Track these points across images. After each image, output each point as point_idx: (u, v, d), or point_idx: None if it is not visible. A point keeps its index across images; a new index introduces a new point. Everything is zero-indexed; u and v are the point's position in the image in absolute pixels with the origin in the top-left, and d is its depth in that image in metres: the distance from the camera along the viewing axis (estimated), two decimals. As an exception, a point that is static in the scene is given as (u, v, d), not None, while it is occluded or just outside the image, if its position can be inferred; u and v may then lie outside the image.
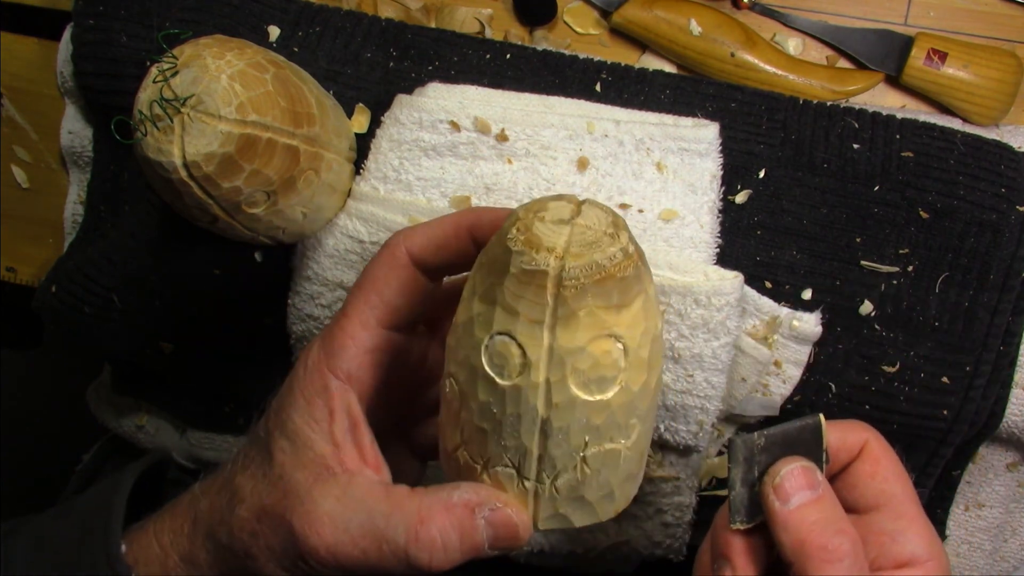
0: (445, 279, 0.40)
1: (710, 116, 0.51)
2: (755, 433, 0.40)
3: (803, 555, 0.36)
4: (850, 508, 0.39)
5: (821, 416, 0.40)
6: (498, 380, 0.31)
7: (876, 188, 0.50)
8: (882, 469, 0.39)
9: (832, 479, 0.40)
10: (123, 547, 0.38)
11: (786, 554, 0.37)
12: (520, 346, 0.30)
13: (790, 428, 0.40)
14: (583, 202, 0.32)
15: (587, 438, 0.32)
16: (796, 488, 0.38)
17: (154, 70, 0.41)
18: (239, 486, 0.36)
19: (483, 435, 0.33)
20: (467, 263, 0.36)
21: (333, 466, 0.35)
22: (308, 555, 0.34)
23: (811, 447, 0.40)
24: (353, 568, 0.34)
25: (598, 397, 0.31)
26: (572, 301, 0.30)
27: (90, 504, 0.40)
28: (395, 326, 0.37)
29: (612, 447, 0.33)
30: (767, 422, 0.55)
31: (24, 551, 0.39)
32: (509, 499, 0.34)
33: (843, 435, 0.40)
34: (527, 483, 0.33)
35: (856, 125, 0.51)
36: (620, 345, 0.31)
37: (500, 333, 0.31)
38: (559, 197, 0.32)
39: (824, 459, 0.39)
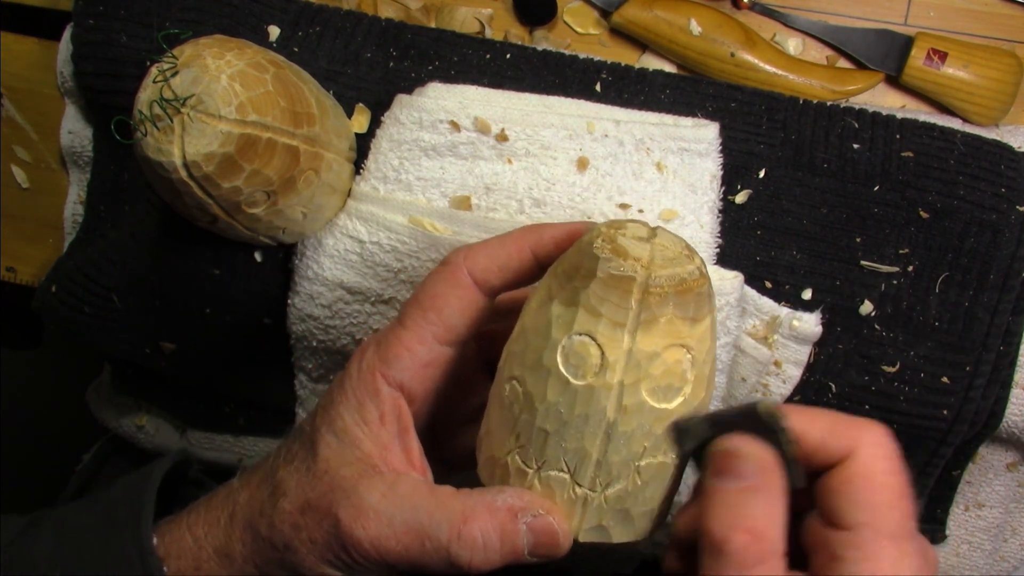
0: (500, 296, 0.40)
1: (710, 116, 0.51)
2: (695, 416, 0.36)
3: (700, 532, 0.33)
4: (823, 515, 0.34)
5: (763, 402, 0.36)
6: (572, 380, 0.32)
7: (876, 188, 0.50)
8: (854, 489, 0.33)
9: (817, 475, 0.34)
10: (154, 539, 0.38)
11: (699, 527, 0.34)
12: (600, 347, 0.32)
13: (730, 411, 0.35)
14: (657, 228, 0.34)
15: (646, 446, 0.33)
16: (724, 469, 0.33)
17: (154, 70, 0.41)
18: (282, 479, 0.37)
19: (544, 437, 0.33)
20: (526, 281, 0.37)
21: (380, 465, 0.35)
22: (352, 548, 0.34)
23: (763, 427, 0.34)
24: (395, 563, 0.34)
25: (664, 405, 0.32)
26: (656, 307, 0.31)
27: (119, 496, 0.40)
28: (450, 343, 0.38)
29: (663, 460, 0.34)
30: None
31: (49, 543, 0.39)
32: (553, 507, 0.34)
33: (828, 438, 0.34)
34: (578, 489, 0.34)
35: (856, 125, 0.51)
36: (690, 357, 0.32)
37: (580, 334, 0.32)
38: (634, 220, 0.34)
39: (784, 440, 0.34)
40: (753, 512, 0.33)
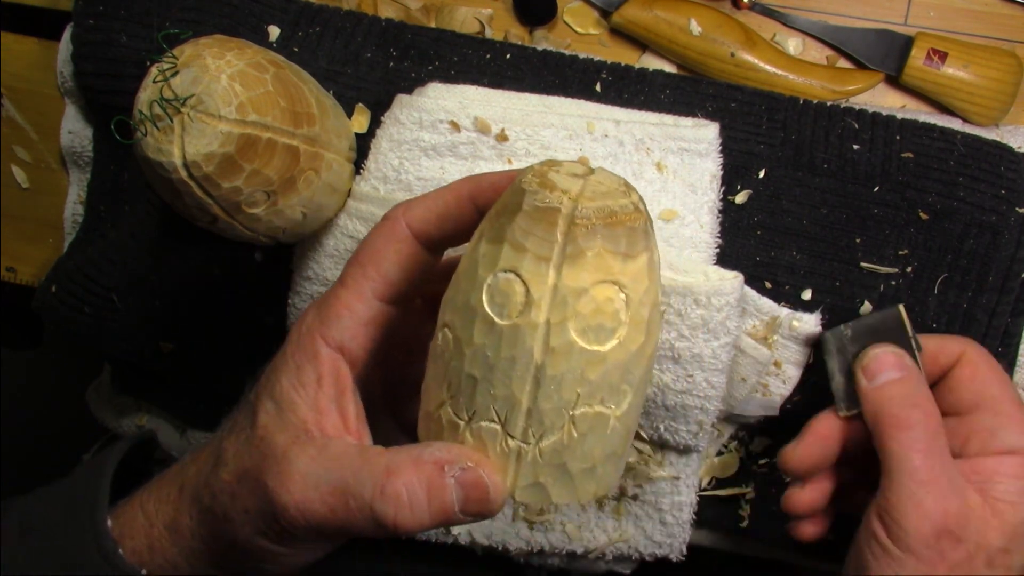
0: (445, 253, 0.39)
1: (710, 116, 0.51)
2: (841, 326, 0.47)
3: (878, 424, 0.42)
4: (952, 411, 0.44)
5: (900, 307, 0.46)
6: (497, 320, 0.31)
7: (876, 189, 0.50)
8: (980, 374, 0.44)
9: (933, 385, 0.45)
10: (109, 522, 0.38)
11: (868, 424, 0.43)
12: (524, 283, 0.30)
13: (872, 319, 0.47)
14: (596, 169, 0.32)
15: (579, 392, 0.31)
16: (880, 368, 0.44)
17: (154, 70, 0.41)
18: (224, 449, 0.36)
19: (472, 384, 0.32)
20: (468, 233, 0.35)
21: (313, 431, 0.34)
22: (279, 513, 0.33)
23: (897, 335, 0.46)
24: (322, 527, 0.33)
25: (595, 347, 0.31)
26: (582, 240, 0.29)
27: (76, 482, 0.40)
28: (391, 299, 0.37)
29: (601, 410, 0.32)
30: (768, 422, 0.55)
31: (9, 531, 0.39)
32: (483, 460, 0.32)
33: (942, 343, 0.45)
34: (511, 441, 0.32)
35: (856, 125, 0.51)
36: (623, 296, 0.30)
37: (505, 271, 0.30)
38: (572, 161, 0.32)
39: (915, 346, 0.45)
40: (919, 391, 0.43)
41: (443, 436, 0.33)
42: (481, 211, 0.35)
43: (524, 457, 0.32)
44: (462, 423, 0.33)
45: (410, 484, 0.32)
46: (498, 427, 0.32)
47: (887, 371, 0.43)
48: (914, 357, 0.45)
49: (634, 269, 0.31)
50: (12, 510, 0.41)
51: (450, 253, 0.40)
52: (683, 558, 0.56)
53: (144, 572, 0.37)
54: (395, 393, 0.42)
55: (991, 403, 0.43)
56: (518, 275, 0.30)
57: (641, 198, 0.31)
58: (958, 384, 0.44)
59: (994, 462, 0.42)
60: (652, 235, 0.32)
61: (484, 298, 0.31)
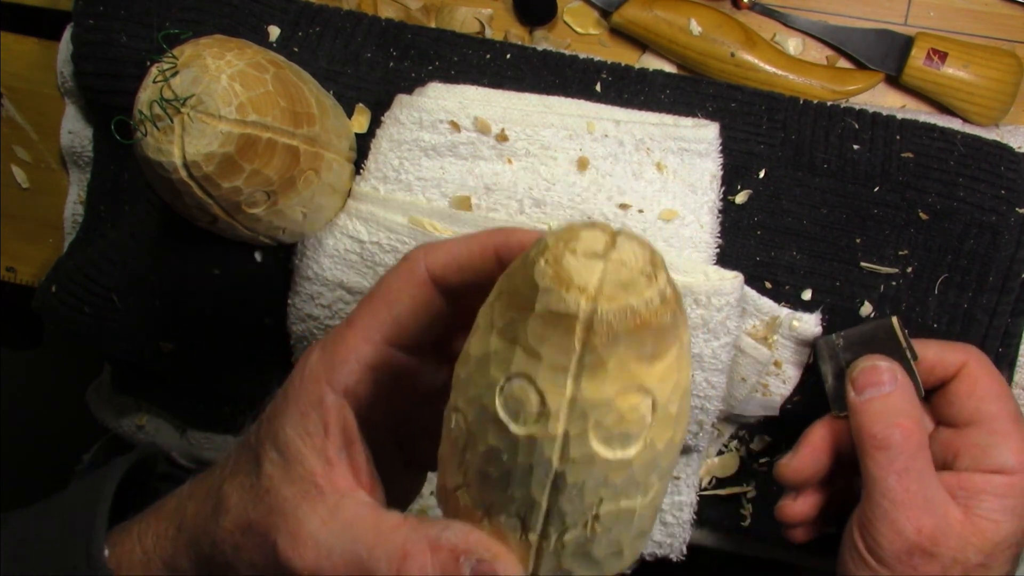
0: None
1: (710, 116, 0.51)
2: (833, 335, 0.48)
3: (859, 440, 0.43)
4: (948, 422, 0.45)
5: (894, 319, 0.46)
6: (511, 427, 0.28)
7: (876, 189, 0.50)
8: (978, 389, 0.44)
9: (931, 394, 0.46)
10: (106, 551, 0.37)
11: (853, 437, 0.44)
12: (540, 392, 0.28)
13: (865, 328, 0.48)
14: (618, 233, 0.28)
15: (602, 495, 0.29)
16: (868, 382, 0.44)
17: (154, 70, 0.41)
18: (226, 495, 0.35)
19: (488, 481, 0.30)
20: (489, 286, 0.33)
21: (323, 485, 0.33)
22: None
23: (890, 346, 0.46)
24: None
25: (619, 455, 0.28)
26: (602, 349, 0.27)
27: (75, 503, 0.39)
28: (402, 345, 0.35)
29: (628, 505, 0.30)
30: (768, 421, 0.55)
31: (6, 549, 0.39)
32: (501, 551, 0.31)
33: (942, 354, 0.45)
34: (531, 536, 0.30)
35: (856, 125, 0.51)
36: (649, 400, 0.28)
37: (518, 376, 0.28)
38: (592, 225, 0.28)
39: (909, 356, 0.46)
40: (902, 410, 0.43)
41: (461, 517, 0.32)
42: (504, 267, 0.33)
43: (545, 549, 0.31)
44: (479, 512, 0.31)
45: (425, 570, 0.31)
46: (517, 522, 0.31)
47: (875, 385, 0.44)
48: (908, 367, 0.45)
49: (661, 369, 0.28)
50: (7, 530, 0.40)
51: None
52: (683, 558, 0.56)
53: None
54: (402, 430, 0.41)
55: (987, 420, 0.43)
56: (533, 383, 0.28)
57: (670, 279, 0.28)
58: (955, 398, 0.45)
59: (982, 479, 0.42)
60: (682, 317, 0.29)
61: (497, 403, 0.29)
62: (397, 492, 0.37)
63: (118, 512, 0.39)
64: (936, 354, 0.46)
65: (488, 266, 0.34)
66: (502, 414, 0.28)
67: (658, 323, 0.27)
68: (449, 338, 0.38)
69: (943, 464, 0.44)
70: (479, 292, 0.33)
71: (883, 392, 0.44)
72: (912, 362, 0.45)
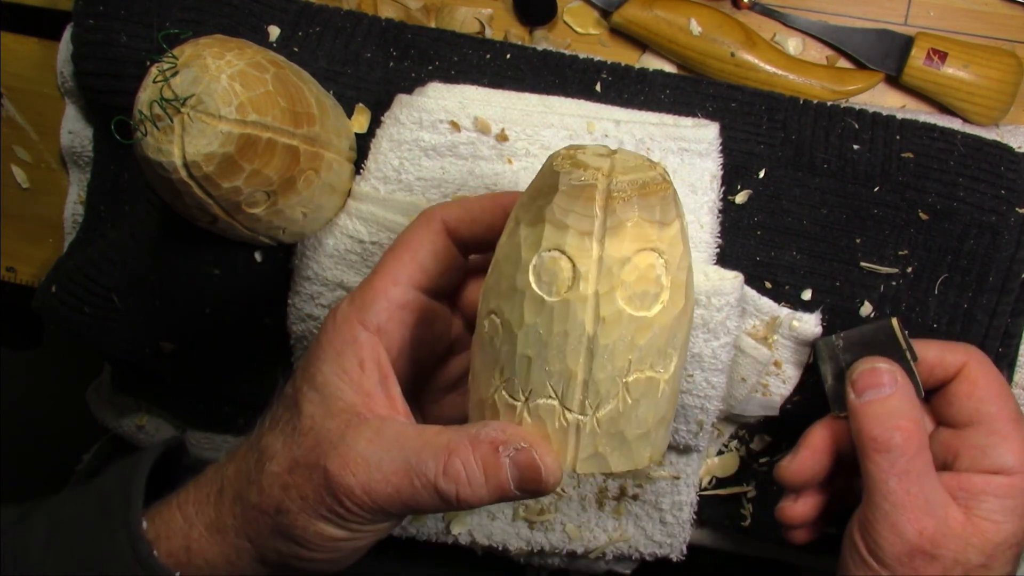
0: (471, 256, 0.41)
1: (710, 116, 0.51)
2: (833, 336, 0.48)
3: (860, 442, 0.43)
4: (948, 422, 0.46)
5: (894, 320, 0.46)
6: (546, 297, 0.32)
7: (876, 189, 0.50)
8: (978, 390, 0.44)
9: (931, 394, 0.47)
10: (144, 524, 0.38)
11: (853, 438, 0.44)
12: (570, 259, 0.31)
13: (865, 330, 0.48)
14: (616, 149, 0.33)
15: (630, 359, 0.32)
16: (868, 384, 0.44)
17: (154, 70, 0.41)
18: (267, 445, 0.36)
19: (527, 364, 0.33)
20: (495, 238, 0.36)
21: (364, 412, 0.35)
22: (345, 496, 0.34)
23: (890, 348, 0.46)
24: (388, 506, 0.34)
25: (643, 313, 0.32)
26: (620, 211, 0.31)
27: (109, 483, 0.40)
28: (424, 287, 0.38)
29: (652, 375, 0.33)
30: (768, 421, 0.55)
31: (43, 531, 0.39)
32: (537, 440, 0.34)
33: (942, 355, 0.46)
34: (569, 415, 0.33)
35: (856, 125, 0.51)
36: (663, 261, 0.32)
37: (549, 250, 0.32)
38: (594, 144, 0.34)
39: (909, 357, 0.46)
40: (902, 412, 0.43)
41: (500, 417, 0.35)
42: None
43: (583, 429, 0.33)
44: (519, 403, 0.34)
45: (468, 463, 0.34)
46: (556, 403, 0.33)
47: (875, 387, 0.44)
48: (908, 369, 0.45)
49: (670, 235, 0.32)
50: (40, 511, 0.40)
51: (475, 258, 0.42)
52: (683, 558, 0.56)
53: (178, 575, 0.37)
54: (421, 391, 0.43)
55: (986, 421, 0.44)
56: (563, 252, 0.31)
57: (665, 170, 0.33)
58: (955, 398, 0.45)
59: (982, 480, 0.42)
60: (680, 203, 0.33)
61: (531, 279, 0.32)
62: None
63: (149, 498, 0.40)
64: (936, 355, 0.46)
65: (497, 220, 0.37)
66: (536, 288, 0.32)
67: (663, 193, 0.32)
68: (461, 291, 0.42)
69: (943, 464, 0.44)
70: (488, 246, 0.37)
71: (883, 394, 0.44)
72: (912, 363, 0.45)
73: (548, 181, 0.32)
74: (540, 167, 0.34)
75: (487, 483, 0.34)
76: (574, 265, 0.31)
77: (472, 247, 0.39)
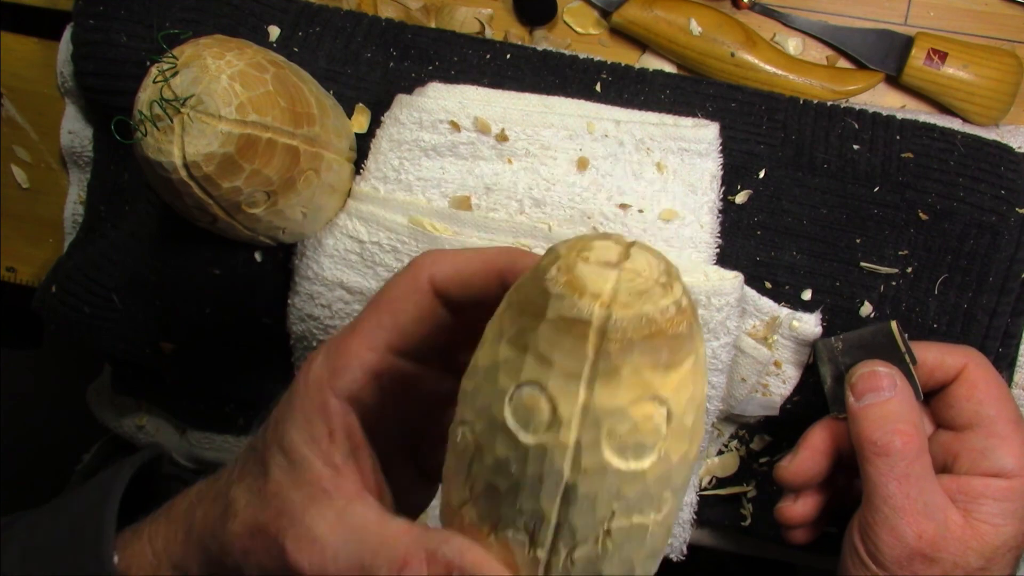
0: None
1: (710, 116, 0.51)
2: (832, 338, 0.49)
3: (859, 446, 0.43)
4: (947, 425, 0.46)
5: (893, 323, 0.46)
6: (521, 436, 0.28)
7: (876, 189, 0.50)
8: (977, 393, 0.44)
9: (931, 397, 0.47)
10: (115, 556, 0.37)
11: (853, 442, 0.44)
12: (551, 400, 0.27)
13: (864, 333, 0.48)
14: (632, 244, 0.28)
15: (615, 508, 0.28)
16: (867, 388, 0.44)
17: (154, 70, 0.41)
18: (234, 499, 0.35)
19: (496, 494, 0.29)
20: (492, 305, 0.32)
21: (330, 489, 0.33)
22: None
23: (889, 351, 0.46)
24: None
25: (633, 466, 0.28)
26: (616, 356, 0.26)
27: (83, 505, 0.40)
28: (405, 353, 0.35)
29: (640, 521, 0.29)
30: (768, 420, 0.55)
31: (16, 553, 0.39)
32: (497, 571, 0.31)
33: (942, 357, 0.46)
34: (540, 551, 0.29)
35: (856, 126, 0.51)
36: (664, 410, 0.27)
37: (529, 383, 0.27)
38: (606, 236, 0.28)
39: (908, 360, 0.45)
40: (901, 416, 0.43)
41: (465, 533, 0.31)
42: (506, 289, 0.32)
43: (554, 566, 0.30)
44: (485, 528, 0.31)
45: None
46: (525, 538, 0.29)
47: (874, 391, 0.44)
48: (908, 372, 0.45)
49: (677, 379, 0.27)
50: (13, 532, 0.40)
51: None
52: (683, 558, 0.56)
53: None
54: (414, 441, 0.41)
55: (986, 423, 0.44)
56: (544, 391, 0.27)
57: (686, 290, 0.27)
58: (955, 401, 0.45)
59: (981, 483, 0.42)
60: (698, 329, 0.28)
61: (507, 411, 0.28)
62: (411, 500, 0.37)
63: (126, 512, 0.39)
64: (936, 357, 0.46)
65: (490, 285, 0.34)
66: (512, 423, 0.28)
67: (674, 332, 0.26)
68: (453, 349, 0.38)
69: (942, 466, 0.45)
70: (481, 308, 0.33)
71: (882, 398, 0.44)
72: (911, 366, 0.45)
73: (537, 298, 0.27)
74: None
75: None
76: (555, 408, 0.27)
77: (461, 307, 0.36)
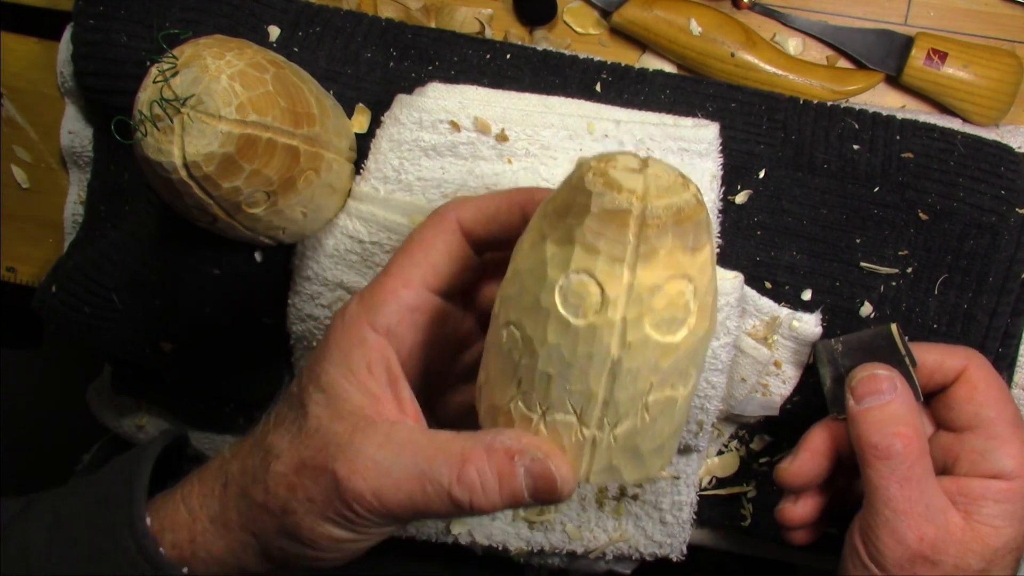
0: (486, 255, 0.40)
1: (710, 116, 0.51)
2: (832, 340, 0.49)
3: (860, 448, 0.43)
4: (947, 426, 0.46)
5: (893, 326, 0.46)
6: (572, 320, 0.31)
7: (876, 189, 0.50)
8: (978, 394, 0.44)
9: (931, 398, 0.47)
10: (148, 519, 0.37)
11: (853, 444, 0.44)
12: (599, 284, 0.31)
13: (864, 335, 0.47)
14: (648, 158, 0.32)
15: (652, 381, 0.32)
16: (867, 391, 0.44)
17: (154, 70, 0.41)
18: (272, 444, 0.36)
19: (547, 381, 0.33)
20: (511, 237, 0.36)
21: (372, 416, 0.35)
22: (355, 501, 0.34)
23: (889, 354, 0.46)
24: (398, 511, 0.34)
25: (668, 339, 0.31)
26: (655, 239, 0.30)
27: (112, 477, 0.40)
28: (437, 289, 0.37)
29: (671, 394, 0.33)
30: (768, 420, 0.55)
31: (43, 526, 0.39)
32: (552, 450, 0.34)
33: (942, 359, 0.45)
34: (586, 431, 0.33)
35: (856, 126, 0.51)
36: (692, 287, 0.31)
37: (578, 271, 0.31)
38: (624, 152, 0.32)
39: (908, 363, 0.45)
40: (901, 418, 0.43)
41: (515, 425, 0.34)
42: (527, 221, 0.35)
43: (599, 444, 0.33)
44: (535, 416, 0.34)
45: (483, 471, 0.33)
46: (573, 419, 0.33)
47: (874, 393, 0.44)
48: (907, 374, 0.45)
49: (701, 261, 0.31)
50: (41, 506, 0.40)
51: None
52: (683, 558, 0.56)
53: (185, 571, 0.37)
54: (432, 388, 0.42)
55: (986, 425, 0.44)
56: (592, 276, 0.31)
57: (698, 189, 0.31)
58: (955, 402, 0.45)
59: (981, 485, 0.43)
60: (711, 224, 0.32)
61: (557, 299, 0.31)
62: None
63: (153, 490, 0.39)
64: (936, 359, 0.46)
65: (513, 220, 0.37)
66: (563, 310, 0.31)
67: (697, 218, 0.31)
68: (476, 287, 0.41)
69: (943, 468, 0.45)
70: (503, 245, 0.37)
71: (883, 401, 0.44)
72: (911, 368, 0.45)
73: (579, 199, 0.31)
74: (563, 177, 0.33)
75: (501, 491, 0.34)
76: (603, 290, 0.31)
77: (487, 246, 0.38)
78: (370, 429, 0.34)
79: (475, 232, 0.37)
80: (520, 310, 0.33)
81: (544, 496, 0.34)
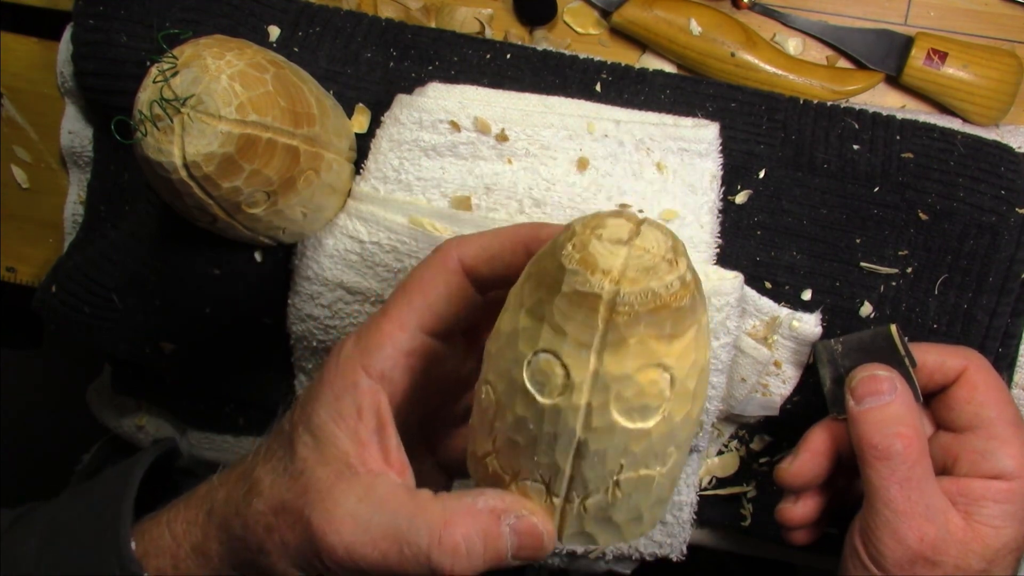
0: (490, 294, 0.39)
1: (710, 116, 0.51)
2: (832, 340, 0.49)
3: (860, 449, 0.43)
4: (947, 427, 0.46)
5: (893, 327, 0.46)
6: (538, 397, 0.31)
7: (876, 189, 0.50)
8: (978, 395, 0.44)
9: (931, 398, 0.47)
10: (133, 544, 0.37)
11: (853, 445, 0.44)
12: (564, 366, 0.30)
13: (864, 336, 0.47)
14: (643, 222, 0.30)
15: (623, 463, 0.31)
16: (867, 391, 0.44)
17: (154, 70, 0.41)
18: (258, 478, 0.35)
19: (515, 448, 0.32)
20: (516, 276, 0.34)
21: (356, 465, 0.34)
22: (325, 554, 0.33)
23: (888, 354, 0.46)
24: (371, 569, 0.33)
25: (639, 425, 0.30)
26: (623, 328, 0.29)
27: (101, 495, 0.40)
28: (435, 332, 0.36)
29: (647, 473, 0.32)
30: (768, 420, 0.55)
31: (34, 542, 0.39)
32: (535, 508, 0.33)
33: (942, 359, 0.46)
34: (555, 499, 0.33)
35: (856, 126, 0.51)
36: (667, 376, 0.30)
37: (545, 351, 0.30)
38: (618, 214, 0.30)
39: (908, 363, 0.45)
40: (901, 419, 0.43)
41: (490, 483, 0.34)
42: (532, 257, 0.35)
43: (569, 512, 0.33)
44: (507, 477, 0.33)
45: (467, 534, 0.33)
46: (542, 487, 0.33)
47: (874, 394, 0.44)
48: (907, 375, 0.45)
49: (680, 347, 0.30)
50: (32, 521, 0.40)
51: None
52: (683, 558, 0.56)
53: None
54: (433, 428, 0.42)
55: (986, 425, 0.44)
56: (558, 357, 0.30)
57: (690, 265, 0.30)
58: (955, 403, 0.45)
59: (981, 485, 0.43)
60: (701, 300, 0.31)
61: (525, 375, 0.31)
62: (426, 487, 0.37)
63: (142, 505, 0.40)
64: (936, 359, 0.46)
65: (517, 259, 0.36)
66: (529, 386, 0.31)
67: (677, 305, 0.29)
68: (478, 328, 0.40)
69: (943, 468, 0.45)
70: (508, 284, 0.35)
71: (883, 401, 0.44)
72: (911, 369, 0.45)
73: (554, 272, 0.29)
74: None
75: (485, 553, 0.33)
76: (568, 374, 0.30)
77: (491, 285, 0.37)
78: (353, 480, 0.34)
79: (477, 270, 0.36)
80: (496, 372, 0.32)
81: (528, 552, 0.33)
